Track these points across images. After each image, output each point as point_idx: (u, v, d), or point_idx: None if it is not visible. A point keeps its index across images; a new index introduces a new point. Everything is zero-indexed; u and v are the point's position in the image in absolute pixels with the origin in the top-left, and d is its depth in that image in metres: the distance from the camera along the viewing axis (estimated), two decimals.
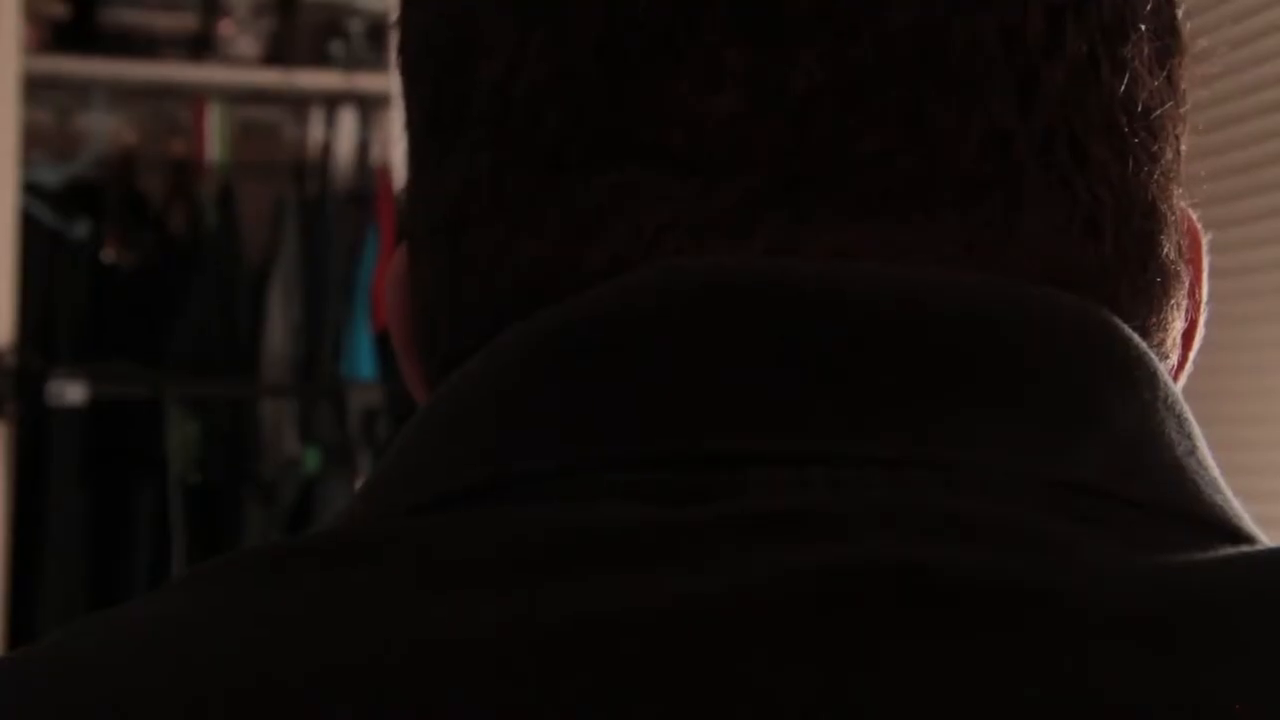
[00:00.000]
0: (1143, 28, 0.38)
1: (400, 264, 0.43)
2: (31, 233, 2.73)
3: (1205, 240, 0.41)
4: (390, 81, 2.92)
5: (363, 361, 2.87)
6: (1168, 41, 0.39)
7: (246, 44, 2.97)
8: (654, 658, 0.29)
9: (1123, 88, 0.37)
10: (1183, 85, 0.40)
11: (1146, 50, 0.38)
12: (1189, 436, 0.36)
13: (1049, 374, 0.34)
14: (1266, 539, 0.35)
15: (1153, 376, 0.35)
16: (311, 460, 2.86)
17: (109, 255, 2.88)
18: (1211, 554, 0.32)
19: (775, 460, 0.33)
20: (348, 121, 3.02)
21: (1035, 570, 0.30)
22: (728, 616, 0.29)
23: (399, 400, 2.78)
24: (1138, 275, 0.37)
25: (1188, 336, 0.41)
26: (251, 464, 2.86)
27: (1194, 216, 0.41)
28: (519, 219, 0.36)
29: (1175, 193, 0.39)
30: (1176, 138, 0.39)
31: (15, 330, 2.55)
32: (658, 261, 0.35)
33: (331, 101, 3.01)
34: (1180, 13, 0.40)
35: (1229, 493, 0.36)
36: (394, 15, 0.41)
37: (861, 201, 0.35)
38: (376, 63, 2.96)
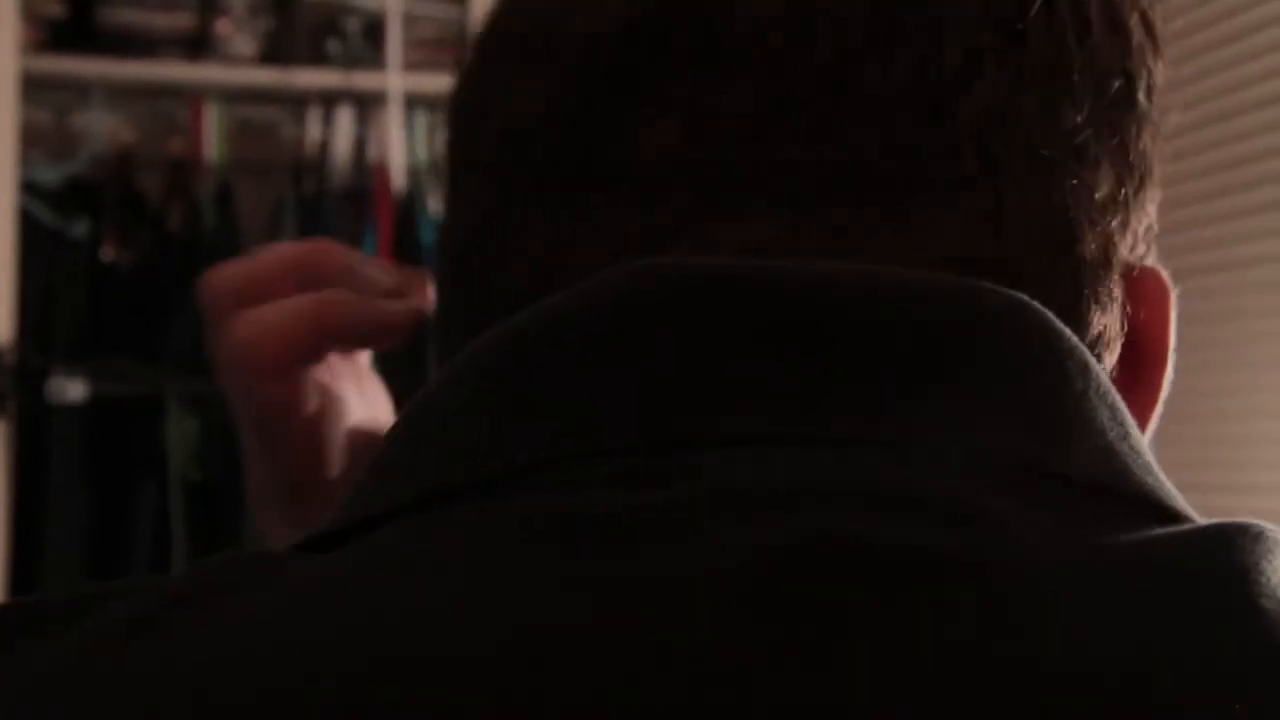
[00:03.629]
0: (1075, 76, 0.41)
1: None
2: (30, 232, 2.73)
3: (1174, 293, 0.44)
4: (387, 80, 2.92)
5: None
6: (1117, 101, 0.42)
7: (243, 43, 2.98)
8: (639, 625, 0.31)
9: (1040, 114, 0.40)
10: (1141, 146, 0.43)
11: (1076, 93, 0.41)
12: (1121, 424, 0.38)
13: (989, 362, 0.37)
14: (1199, 518, 0.37)
15: (1084, 367, 0.38)
16: None
17: (108, 254, 2.88)
18: (1136, 531, 0.34)
19: (732, 442, 0.35)
20: (345, 120, 3.02)
21: (965, 542, 0.32)
22: (688, 590, 0.31)
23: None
24: (1044, 266, 0.40)
25: (1147, 371, 0.43)
26: None
27: (1163, 273, 0.44)
28: (499, 247, 0.42)
29: (1116, 223, 0.42)
30: (1122, 184, 0.42)
31: (15, 328, 2.55)
32: (610, 269, 0.38)
33: (329, 100, 3.02)
34: (1141, 84, 0.43)
35: (1162, 476, 0.38)
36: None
37: (772, 202, 0.39)
38: (373, 61, 2.96)
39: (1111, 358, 0.42)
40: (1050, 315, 0.38)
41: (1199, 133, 2.39)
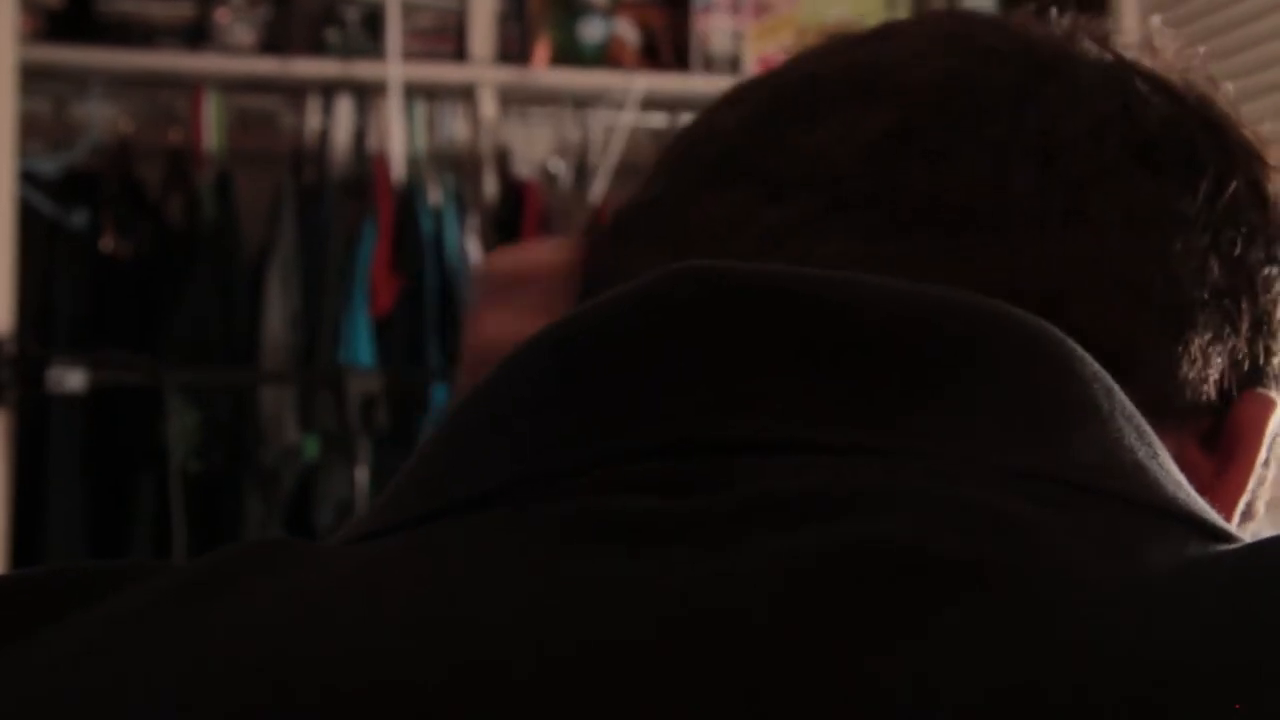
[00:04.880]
0: (1204, 185, 0.45)
1: None
2: (29, 222, 2.73)
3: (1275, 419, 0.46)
4: (387, 70, 2.92)
5: (361, 349, 2.87)
6: (1236, 224, 0.45)
7: (243, 33, 2.97)
8: (698, 631, 0.31)
9: (1151, 187, 0.44)
10: (1250, 278, 0.45)
11: (1202, 195, 0.45)
12: (1149, 445, 0.39)
13: (1018, 381, 0.38)
14: (1235, 529, 0.38)
15: (1110, 391, 0.39)
16: (311, 448, 2.87)
17: (107, 244, 2.88)
18: (1176, 543, 0.35)
19: (766, 450, 0.36)
20: (344, 110, 3.02)
21: (1010, 550, 0.33)
22: (746, 589, 0.32)
23: (397, 388, 2.79)
24: (1108, 306, 0.43)
25: (1236, 479, 0.45)
26: (251, 451, 2.87)
27: (1276, 397, 0.46)
28: (647, 234, 0.46)
29: (1206, 293, 0.44)
30: (1221, 256, 0.45)
31: (14, 319, 2.55)
32: (652, 272, 0.39)
33: (328, 90, 3.01)
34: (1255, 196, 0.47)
35: (1193, 492, 0.39)
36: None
37: (875, 222, 0.43)
38: (373, 51, 2.96)
39: (1195, 423, 0.44)
40: (1074, 344, 0.39)
41: None
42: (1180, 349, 0.43)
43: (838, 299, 0.38)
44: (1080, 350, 0.39)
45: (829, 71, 0.47)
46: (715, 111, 0.49)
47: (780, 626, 0.31)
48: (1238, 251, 0.45)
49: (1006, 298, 0.40)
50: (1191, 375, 0.44)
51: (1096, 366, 0.39)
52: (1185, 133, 0.45)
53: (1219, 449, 0.45)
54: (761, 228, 0.44)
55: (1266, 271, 0.46)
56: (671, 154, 0.49)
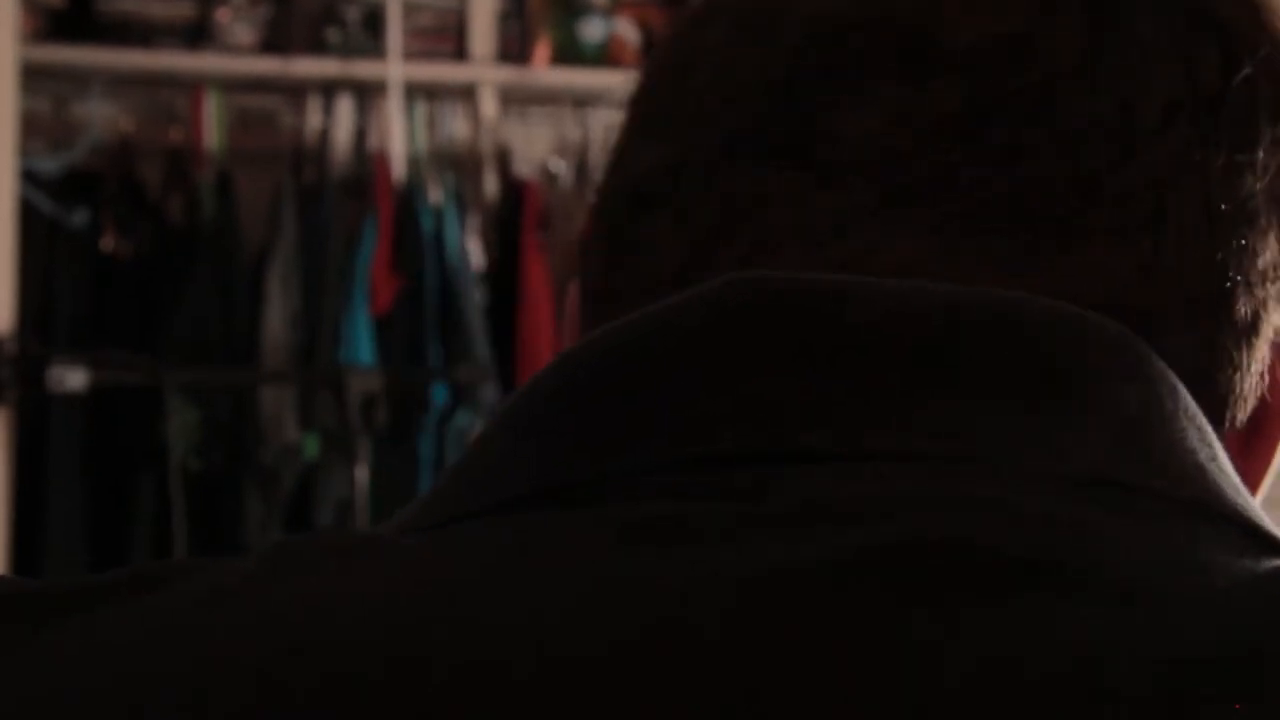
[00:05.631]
0: (1260, 153, 0.42)
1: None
2: (30, 221, 2.73)
3: None
4: (387, 69, 2.92)
5: (361, 348, 2.88)
6: None
7: (243, 32, 2.98)
8: (773, 612, 0.32)
9: (1220, 176, 0.42)
10: None
11: (1257, 166, 0.42)
12: (1209, 445, 0.39)
13: (1077, 381, 0.37)
14: None
15: (1174, 390, 0.39)
16: (311, 447, 2.87)
17: (107, 243, 2.88)
18: (1237, 550, 0.35)
19: (820, 458, 0.36)
20: (345, 109, 3.02)
21: (1068, 548, 0.33)
22: (813, 584, 0.32)
23: (397, 387, 2.79)
24: (1191, 325, 0.41)
25: (1268, 448, 0.44)
26: (251, 450, 2.87)
27: None
28: (681, 206, 0.43)
29: (1269, 288, 0.43)
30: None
31: (15, 318, 2.55)
32: (713, 280, 0.39)
33: (328, 89, 3.01)
34: None
35: (1249, 497, 0.39)
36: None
37: (946, 218, 0.40)
38: (373, 50, 2.96)
39: (1242, 415, 0.43)
40: (1138, 339, 0.39)
41: None
42: (1249, 356, 0.42)
43: (907, 310, 0.38)
44: (1144, 348, 0.39)
45: (863, 22, 0.42)
46: (723, 51, 0.44)
47: (803, 624, 0.32)
48: None
49: (1089, 309, 0.39)
50: (1254, 372, 0.43)
51: (1162, 365, 0.39)
52: (1246, 87, 0.43)
53: (1249, 422, 0.43)
54: (814, 215, 0.41)
55: None
56: (676, 107, 0.45)
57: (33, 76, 2.76)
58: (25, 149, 2.72)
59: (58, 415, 2.78)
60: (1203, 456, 0.38)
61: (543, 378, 0.40)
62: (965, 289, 0.38)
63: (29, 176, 2.78)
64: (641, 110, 0.46)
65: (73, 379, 2.60)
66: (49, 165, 2.88)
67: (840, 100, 0.42)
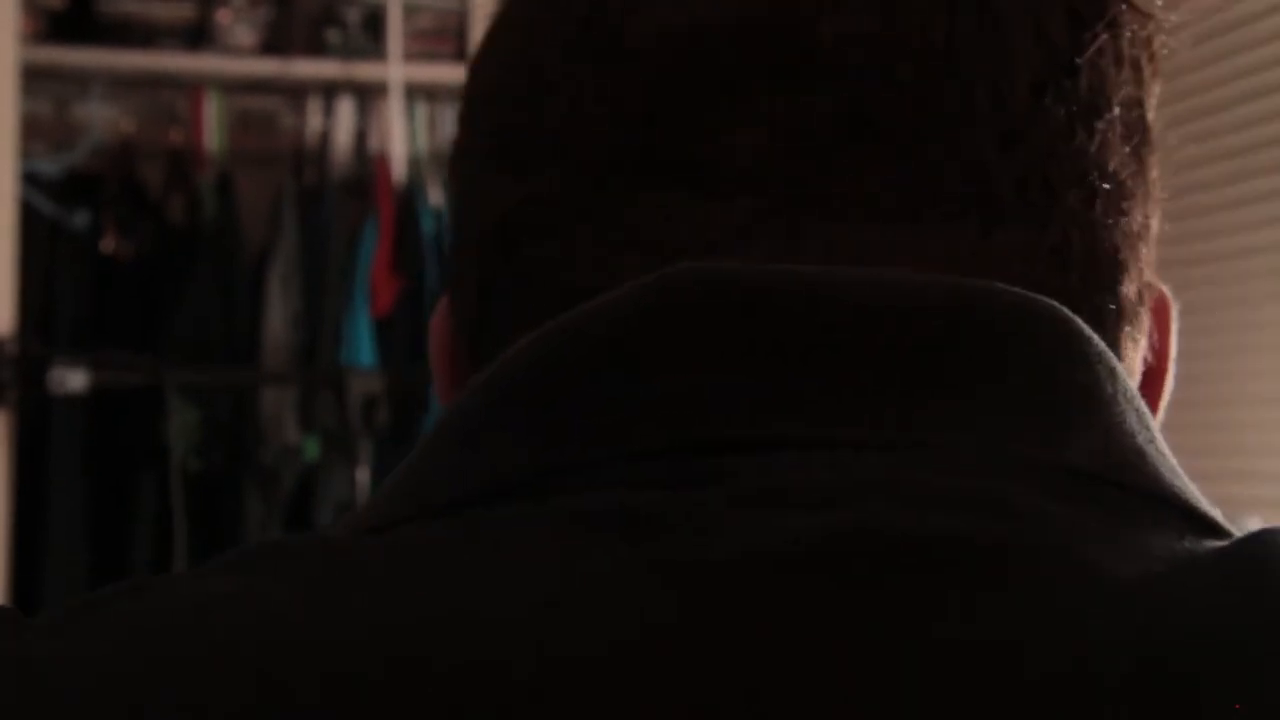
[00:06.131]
0: (1115, 110, 0.43)
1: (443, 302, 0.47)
2: (31, 223, 2.73)
3: (1176, 308, 0.46)
4: (388, 70, 2.92)
5: (362, 349, 2.88)
6: (1139, 133, 0.44)
7: (244, 33, 2.98)
8: (714, 610, 0.32)
9: (1094, 149, 0.42)
10: (1153, 174, 0.44)
11: (1119, 128, 0.43)
12: (1147, 428, 0.39)
13: (1020, 364, 0.38)
14: (1224, 520, 0.38)
15: (1112, 372, 0.39)
16: (311, 448, 2.87)
17: (108, 244, 2.88)
18: (1173, 531, 0.36)
19: (769, 446, 0.36)
20: (345, 110, 3.02)
21: (1010, 534, 0.34)
22: (737, 574, 0.33)
23: (398, 388, 2.79)
24: (1098, 305, 0.41)
25: (1156, 385, 0.45)
26: (252, 451, 2.87)
27: (1166, 290, 0.46)
28: (568, 233, 0.41)
29: (1143, 253, 0.44)
30: (1146, 214, 0.44)
31: (16, 319, 2.56)
32: (662, 270, 0.39)
33: (329, 91, 3.02)
34: (1151, 114, 0.45)
35: (1186, 478, 0.39)
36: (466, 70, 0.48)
37: (856, 214, 0.40)
38: (373, 52, 2.96)
39: (1134, 385, 0.43)
40: (1080, 321, 0.39)
41: (1199, 122, 2.38)
42: (1139, 328, 0.43)
43: (845, 296, 0.38)
44: (1084, 329, 0.39)
45: (719, 30, 0.41)
46: (572, 73, 0.42)
47: (773, 616, 0.32)
48: (1150, 171, 0.44)
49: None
50: (1144, 345, 0.44)
51: (1101, 346, 0.39)
52: (1098, 53, 0.43)
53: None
54: (714, 229, 0.40)
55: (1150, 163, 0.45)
56: (534, 139, 0.43)
57: (33, 78, 2.76)
58: (26, 151, 2.72)
59: (59, 416, 2.78)
60: (1141, 439, 0.38)
61: (495, 376, 0.40)
62: (910, 274, 0.38)
63: (30, 178, 2.78)
64: (494, 143, 0.45)
65: (74, 381, 2.60)
66: (50, 167, 2.88)
67: (715, 117, 0.41)
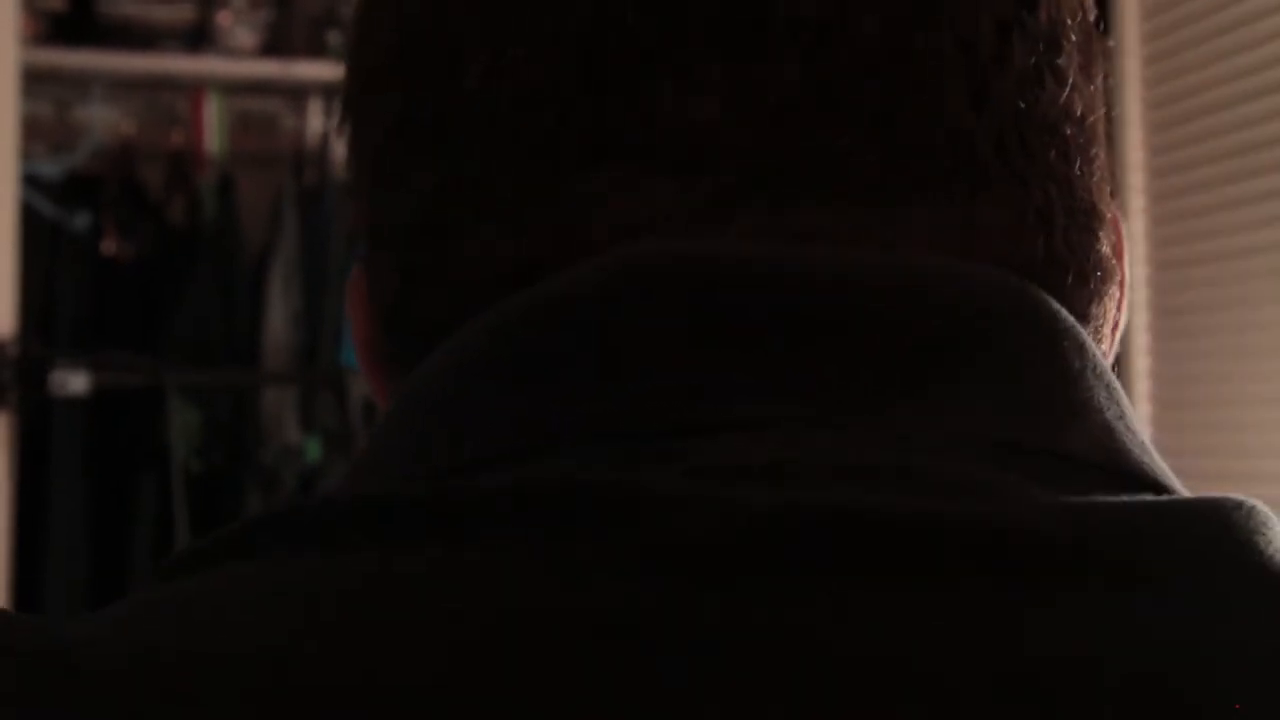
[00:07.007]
0: (1073, 38, 0.41)
1: (358, 278, 0.45)
2: (31, 225, 2.74)
3: (1125, 228, 0.45)
4: None
5: None
6: (1091, 49, 0.42)
7: (244, 35, 2.98)
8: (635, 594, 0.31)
9: (1064, 96, 0.40)
10: (1099, 81, 0.43)
11: (1077, 60, 0.41)
12: (1117, 403, 0.38)
13: (982, 345, 0.37)
14: (1188, 494, 0.37)
15: (1081, 348, 0.38)
16: (313, 449, 2.88)
17: (109, 246, 2.88)
18: (1133, 498, 0.35)
19: (724, 427, 0.35)
20: None
21: (966, 510, 0.33)
22: (711, 550, 0.32)
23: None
24: (1083, 267, 0.40)
25: (1119, 298, 0.44)
26: (253, 452, 2.88)
27: (1117, 211, 0.44)
28: (506, 219, 0.39)
29: (1107, 191, 0.42)
30: (1102, 146, 0.42)
31: (17, 321, 2.56)
32: (622, 249, 0.37)
33: (329, 92, 3.02)
34: (1093, 13, 0.43)
35: (1156, 455, 0.38)
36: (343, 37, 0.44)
37: (834, 192, 0.38)
38: None
39: (1108, 344, 0.43)
40: (1046, 296, 0.38)
41: (1198, 121, 2.39)
42: (1108, 293, 0.42)
43: (800, 274, 0.37)
44: (1052, 305, 0.38)
45: None
46: (490, 41, 0.39)
47: (720, 591, 0.31)
48: (1100, 111, 0.42)
49: (983, 262, 0.38)
50: (1114, 313, 0.43)
51: (1069, 322, 0.38)
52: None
53: None
54: (673, 209, 0.37)
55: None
56: (452, 118, 0.39)
57: (34, 80, 2.76)
58: (26, 153, 2.72)
59: (60, 417, 2.78)
60: (1110, 415, 0.37)
61: (435, 368, 0.38)
62: (863, 255, 0.37)
63: (30, 180, 2.78)
64: (400, 121, 0.41)
65: (75, 382, 2.60)
66: (50, 169, 2.88)
67: (663, 88, 0.37)
